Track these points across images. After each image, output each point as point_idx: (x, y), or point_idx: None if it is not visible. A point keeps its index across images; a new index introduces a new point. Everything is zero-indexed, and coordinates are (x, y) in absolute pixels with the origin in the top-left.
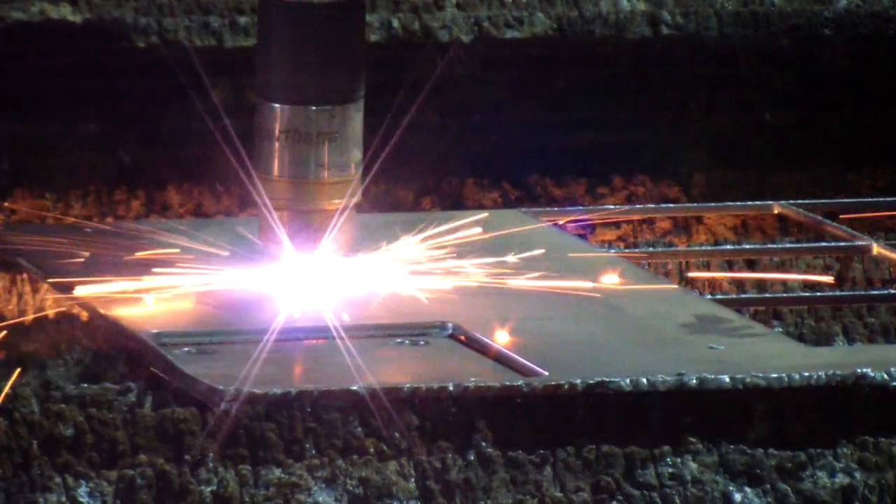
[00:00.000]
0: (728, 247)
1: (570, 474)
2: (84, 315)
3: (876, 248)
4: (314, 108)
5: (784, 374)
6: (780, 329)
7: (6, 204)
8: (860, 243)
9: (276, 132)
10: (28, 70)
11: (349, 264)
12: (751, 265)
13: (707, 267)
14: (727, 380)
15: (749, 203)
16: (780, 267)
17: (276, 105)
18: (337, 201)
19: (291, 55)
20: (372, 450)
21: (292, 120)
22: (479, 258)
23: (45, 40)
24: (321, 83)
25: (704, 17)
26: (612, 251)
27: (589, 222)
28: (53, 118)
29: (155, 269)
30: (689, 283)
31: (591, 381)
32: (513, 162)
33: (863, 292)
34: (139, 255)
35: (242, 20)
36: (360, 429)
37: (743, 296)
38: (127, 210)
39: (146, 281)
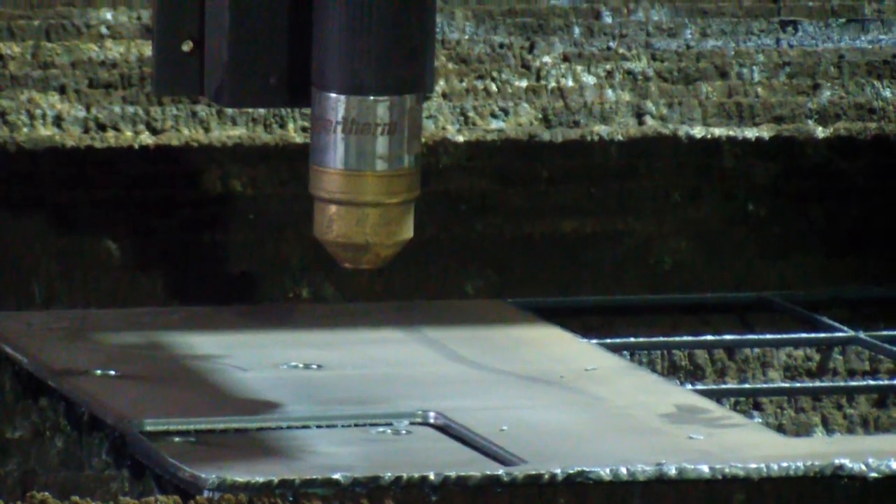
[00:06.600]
0: (709, 337)
1: None
2: (68, 402)
3: (857, 340)
4: (372, 97)
5: (763, 465)
6: (760, 420)
7: None
8: (841, 334)
9: (333, 123)
10: (13, 156)
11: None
12: (731, 355)
13: (688, 357)
14: (706, 469)
15: (731, 294)
16: (762, 357)
17: (333, 95)
18: (395, 196)
19: (348, 43)
20: None
21: (349, 110)
22: (461, 347)
23: (33, 128)
24: (380, 72)
25: (689, 107)
26: (594, 340)
27: (571, 311)
28: (38, 205)
29: (139, 357)
30: (670, 373)
31: (572, 471)
32: (497, 251)
33: (842, 383)
34: (124, 342)
35: (230, 109)
36: None
37: (723, 386)
38: (111, 298)
39: (130, 368)
